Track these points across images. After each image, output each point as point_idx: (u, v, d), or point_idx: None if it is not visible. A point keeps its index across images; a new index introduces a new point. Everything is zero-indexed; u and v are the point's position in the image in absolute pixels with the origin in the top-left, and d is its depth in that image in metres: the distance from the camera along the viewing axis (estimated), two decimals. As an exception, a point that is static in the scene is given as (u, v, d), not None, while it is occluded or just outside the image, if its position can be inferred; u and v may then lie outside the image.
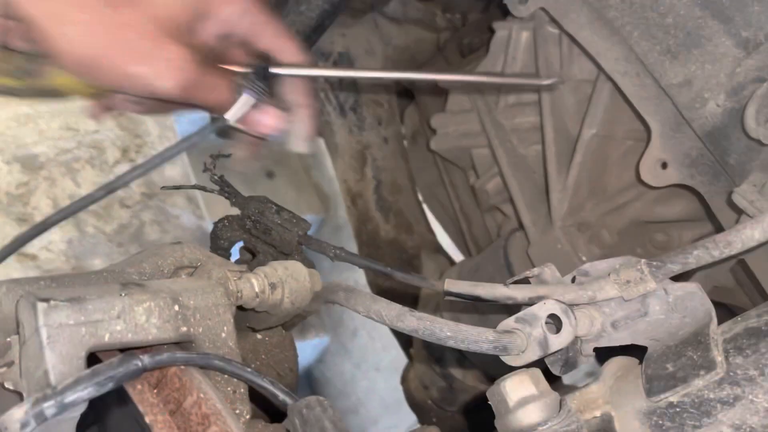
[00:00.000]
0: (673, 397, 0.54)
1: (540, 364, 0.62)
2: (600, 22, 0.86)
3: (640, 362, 0.61)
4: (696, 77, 0.75)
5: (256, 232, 0.78)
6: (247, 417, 0.53)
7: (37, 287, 0.54)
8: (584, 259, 0.93)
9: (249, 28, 0.69)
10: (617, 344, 0.62)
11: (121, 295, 0.51)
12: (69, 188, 1.71)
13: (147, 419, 0.46)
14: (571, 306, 0.61)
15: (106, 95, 0.72)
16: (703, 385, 0.53)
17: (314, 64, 0.80)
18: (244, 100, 0.68)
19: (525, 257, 0.98)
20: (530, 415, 0.56)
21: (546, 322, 0.60)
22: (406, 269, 0.69)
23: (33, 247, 1.61)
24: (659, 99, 0.81)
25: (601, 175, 0.98)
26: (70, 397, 0.44)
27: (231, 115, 0.68)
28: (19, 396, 0.50)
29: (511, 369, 0.63)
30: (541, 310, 0.60)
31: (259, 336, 0.73)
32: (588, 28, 0.88)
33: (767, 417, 0.50)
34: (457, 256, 1.37)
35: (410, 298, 1.25)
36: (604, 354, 0.65)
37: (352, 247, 1.67)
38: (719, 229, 0.86)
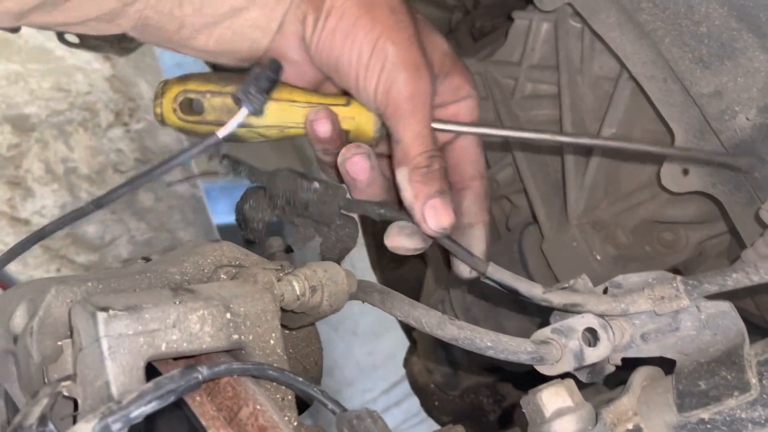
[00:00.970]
0: (704, 414, 0.56)
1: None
2: (630, 25, 0.86)
3: (666, 373, 0.63)
4: (727, 89, 0.76)
5: (290, 209, 0.73)
6: (295, 423, 0.54)
7: (86, 289, 0.53)
8: (599, 258, 0.95)
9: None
10: (645, 356, 0.64)
11: (175, 302, 0.51)
12: (62, 151, 1.67)
13: (210, 433, 0.47)
14: (606, 318, 0.62)
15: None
16: (735, 405, 0.55)
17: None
18: (241, 114, 0.64)
19: (539, 252, 1.00)
20: (566, 426, 0.58)
21: (581, 335, 0.62)
22: (452, 240, 0.68)
23: (26, 211, 1.58)
24: (686, 106, 0.82)
25: (617, 174, 0.99)
26: (134, 412, 0.44)
27: (223, 133, 0.64)
28: (73, 402, 0.50)
29: (538, 373, 0.65)
30: (579, 323, 0.61)
31: (286, 331, 0.74)
32: (617, 30, 0.88)
33: (797, 439, 0.53)
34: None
35: (414, 282, 1.26)
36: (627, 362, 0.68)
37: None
38: (733, 232, 0.88)
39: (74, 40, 1.16)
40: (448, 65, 0.71)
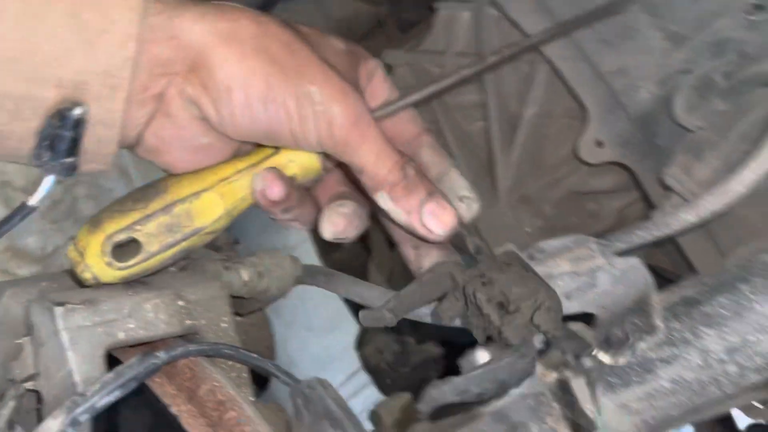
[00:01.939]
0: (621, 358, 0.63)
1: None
2: (542, 10, 0.92)
3: (589, 327, 0.70)
4: (629, 66, 0.83)
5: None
6: (252, 399, 0.58)
7: (40, 289, 0.56)
8: (529, 230, 1.02)
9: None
10: (569, 313, 0.71)
11: (129, 294, 0.54)
12: (-5, 164, 1.64)
13: (173, 410, 0.50)
14: (531, 281, 0.68)
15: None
16: (646, 347, 0.62)
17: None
18: (46, 184, 0.53)
19: (473, 228, 1.06)
20: (500, 380, 0.64)
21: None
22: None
23: (-38, 227, 1.55)
24: (596, 83, 0.89)
25: (541, 150, 1.06)
26: (99, 402, 0.47)
27: (35, 200, 0.53)
28: (36, 394, 0.52)
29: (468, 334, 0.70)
30: (507, 287, 0.67)
31: (238, 318, 0.77)
32: (530, 15, 0.94)
33: (699, 372, 0.60)
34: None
35: (359, 269, 1.31)
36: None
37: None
38: (645, 198, 0.96)
39: None
40: (354, 55, 0.67)
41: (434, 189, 0.62)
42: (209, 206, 0.58)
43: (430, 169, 0.67)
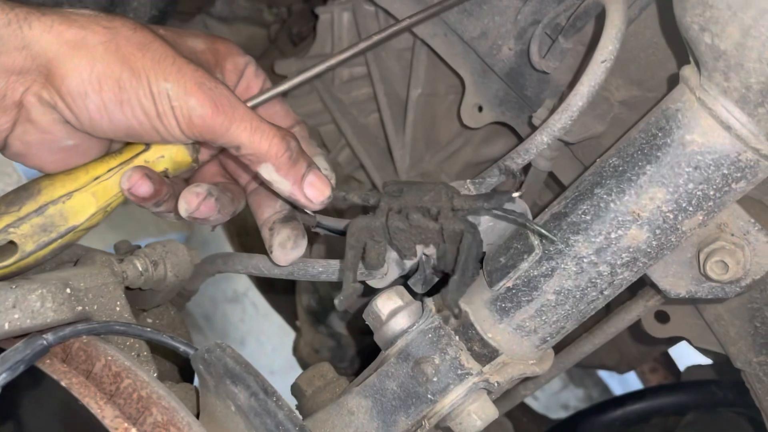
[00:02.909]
0: (508, 282, 0.66)
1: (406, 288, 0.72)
2: (409, -4, 0.98)
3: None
4: (489, 29, 0.89)
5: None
6: (154, 375, 0.59)
7: None
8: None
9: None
10: (462, 255, 0.74)
11: (12, 287, 0.55)
12: None
13: (63, 383, 0.51)
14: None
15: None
16: (528, 266, 0.65)
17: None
18: None
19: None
20: (400, 322, 0.67)
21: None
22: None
23: None
24: (465, 52, 0.94)
25: (433, 128, 1.11)
26: (-14, 384, 0.47)
27: None
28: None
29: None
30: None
31: (150, 320, 0.78)
32: (398, 1, 1.00)
33: (577, 278, 0.64)
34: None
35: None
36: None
37: (227, 245, 1.71)
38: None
39: None
40: (216, 53, 0.70)
41: (312, 162, 0.66)
42: (82, 205, 0.61)
43: None
